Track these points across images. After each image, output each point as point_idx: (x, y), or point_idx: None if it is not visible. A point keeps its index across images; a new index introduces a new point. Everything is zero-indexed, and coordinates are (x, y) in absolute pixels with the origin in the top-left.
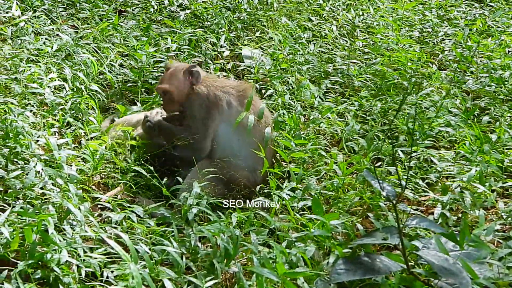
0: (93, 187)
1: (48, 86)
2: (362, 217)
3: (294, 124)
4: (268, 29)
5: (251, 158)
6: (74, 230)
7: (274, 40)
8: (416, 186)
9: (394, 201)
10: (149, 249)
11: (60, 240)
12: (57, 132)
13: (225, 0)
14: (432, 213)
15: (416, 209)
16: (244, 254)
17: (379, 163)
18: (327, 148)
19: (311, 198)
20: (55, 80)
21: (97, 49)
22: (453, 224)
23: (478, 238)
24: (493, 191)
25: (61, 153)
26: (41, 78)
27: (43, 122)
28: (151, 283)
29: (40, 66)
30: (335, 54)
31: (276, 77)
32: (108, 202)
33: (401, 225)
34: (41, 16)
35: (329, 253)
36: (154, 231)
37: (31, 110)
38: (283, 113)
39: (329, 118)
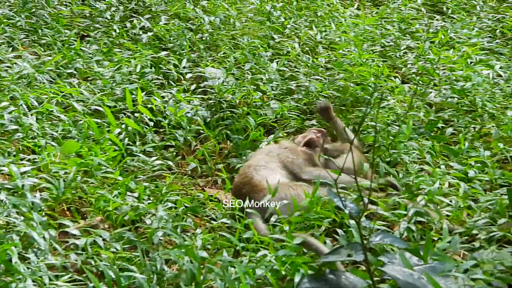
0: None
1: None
2: (329, 234)
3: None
4: (230, 48)
5: None
6: (38, 258)
7: (235, 59)
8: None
9: (357, 218)
10: (116, 275)
11: (24, 269)
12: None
13: (187, 22)
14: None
15: (385, 224)
16: (210, 277)
17: None
18: None
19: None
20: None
21: (59, 75)
22: (420, 238)
23: (442, 252)
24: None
25: (24, 181)
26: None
27: (8, 151)
28: None
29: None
30: (298, 71)
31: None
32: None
33: (365, 242)
34: (2, 44)
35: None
36: (120, 257)
37: None
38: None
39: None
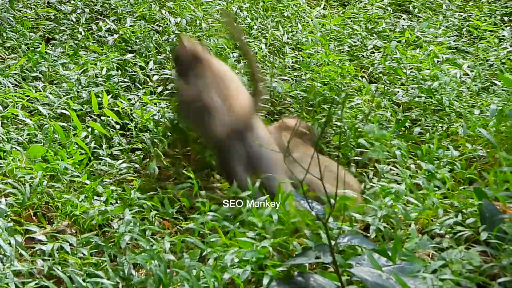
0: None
1: None
2: (299, 236)
3: None
4: None
5: None
6: (4, 265)
7: None
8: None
9: (324, 220)
10: (83, 281)
11: None
12: None
13: (153, 23)
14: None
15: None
16: (178, 279)
17: None
18: None
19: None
20: None
21: (24, 79)
22: (390, 238)
23: (410, 252)
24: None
25: None
26: None
27: None
28: None
29: None
30: (265, 72)
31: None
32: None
33: (333, 243)
34: None
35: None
36: (88, 263)
37: None
38: None
39: None
